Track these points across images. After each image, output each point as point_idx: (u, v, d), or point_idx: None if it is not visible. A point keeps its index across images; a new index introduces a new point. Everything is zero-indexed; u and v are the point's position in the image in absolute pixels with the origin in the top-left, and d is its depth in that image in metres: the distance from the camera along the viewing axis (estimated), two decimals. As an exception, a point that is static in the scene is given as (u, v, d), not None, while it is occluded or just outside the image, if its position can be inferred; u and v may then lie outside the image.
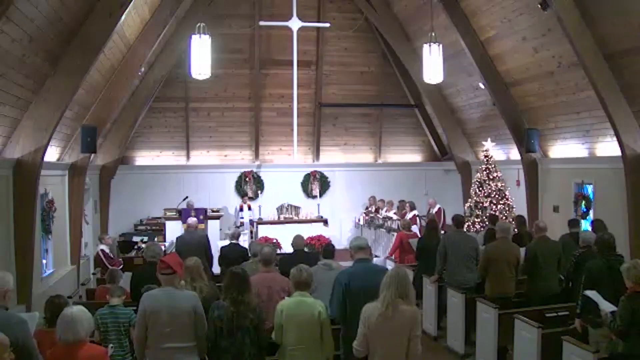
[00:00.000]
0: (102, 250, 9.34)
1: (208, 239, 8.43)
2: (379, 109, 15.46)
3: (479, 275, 7.16)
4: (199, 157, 15.05)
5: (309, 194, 15.41)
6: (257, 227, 13.73)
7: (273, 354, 4.67)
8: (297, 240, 7.28)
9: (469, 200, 11.79)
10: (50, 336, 4.12)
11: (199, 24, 9.68)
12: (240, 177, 15.10)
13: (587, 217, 10.00)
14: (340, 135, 15.59)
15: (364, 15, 13.73)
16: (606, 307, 4.77)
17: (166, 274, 4.31)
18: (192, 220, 8.60)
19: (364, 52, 14.77)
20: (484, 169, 11.61)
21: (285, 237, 11.60)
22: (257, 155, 15.19)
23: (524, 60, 10.39)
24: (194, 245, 7.89)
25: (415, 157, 16.26)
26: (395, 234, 11.03)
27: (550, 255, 6.74)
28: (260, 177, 15.23)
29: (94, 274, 10.52)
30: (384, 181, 15.29)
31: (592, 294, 5.04)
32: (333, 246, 6.93)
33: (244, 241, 11.88)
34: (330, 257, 6.33)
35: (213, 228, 12.17)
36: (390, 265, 9.75)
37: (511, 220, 10.44)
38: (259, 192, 15.11)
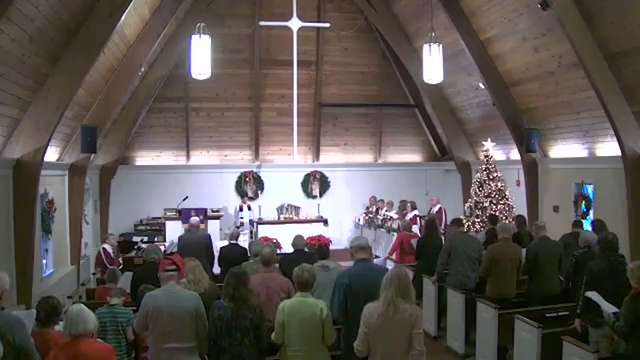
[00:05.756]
0: (104, 249, 9.37)
1: (210, 238, 8.40)
2: (379, 109, 15.46)
3: (479, 276, 7.17)
4: (199, 157, 15.05)
5: (309, 194, 15.41)
6: (257, 227, 13.73)
7: (273, 353, 4.67)
8: (298, 240, 7.27)
9: (469, 200, 11.79)
10: (43, 336, 4.19)
11: (199, 24, 9.69)
12: (240, 177, 15.11)
13: (587, 217, 10.00)
14: (340, 135, 15.60)
15: (364, 15, 13.74)
16: (607, 308, 4.77)
17: (170, 271, 4.36)
18: (194, 219, 8.59)
19: (364, 52, 14.77)
20: (484, 169, 11.61)
21: (285, 237, 11.60)
22: (257, 155, 15.19)
23: (524, 60, 10.39)
24: (196, 245, 7.88)
25: (415, 157, 16.27)
26: (396, 234, 11.03)
27: (551, 256, 6.73)
28: (260, 177, 15.23)
29: (94, 274, 10.52)
30: (384, 181, 15.29)
31: (592, 294, 5.03)
32: (326, 247, 6.93)
33: (244, 241, 11.88)
34: (324, 258, 6.33)
35: (213, 228, 12.15)
36: (390, 265, 9.75)
37: (511, 220, 10.44)
38: (259, 192, 15.11)
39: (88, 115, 9.74)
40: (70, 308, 3.94)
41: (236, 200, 14.79)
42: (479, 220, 11.26)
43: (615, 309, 4.69)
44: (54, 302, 4.32)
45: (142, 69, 11.11)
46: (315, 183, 15.45)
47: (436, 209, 12.79)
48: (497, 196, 11.32)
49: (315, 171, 15.49)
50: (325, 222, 14.08)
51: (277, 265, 6.42)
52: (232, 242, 8.01)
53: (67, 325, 3.79)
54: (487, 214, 10.81)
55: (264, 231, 13.48)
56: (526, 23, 9.66)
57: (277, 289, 5.34)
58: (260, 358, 4.48)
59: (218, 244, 10.17)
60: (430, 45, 10.12)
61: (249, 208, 14.20)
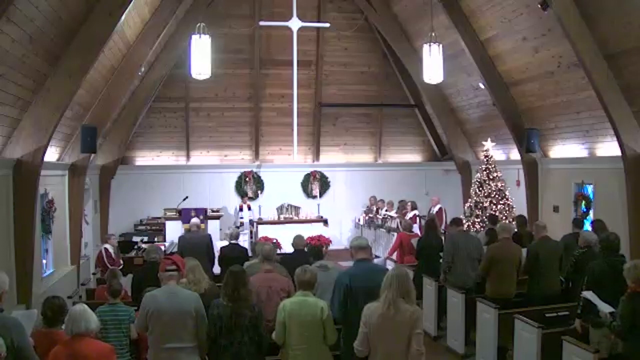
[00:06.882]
0: (106, 249, 9.38)
1: (211, 239, 8.42)
2: (379, 109, 15.46)
3: (478, 275, 7.17)
4: (199, 157, 15.05)
5: (309, 194, 15.41)
6: (257, 227, 13.73)
7: (274, 353, 4.67)
8: (298, 240, 7.28)
9: (469, 200, 11.79)
10: (51, 337, 4.16)
11: (199, 24, 9.68)
12: (240, 177, 15.10)
13: (587, 217, 10.00)
14: (340, 135, 15.59)
15: (364, 15, 13.74)
16: (604, 308, 4.77)
17: (170, 271, 4.37)
18: (195, 220, 8.62)
19: (364, 52, 14.77)
20: (484, 169, 11.61)
21: (285, 237, 11.59)
22: (257, 155, 15.19)
23: (524, 60, 10.39)
24: (197, 245, 7.89)
25: (415, 157, 16.27)
26: (396, 234, 11.03)
27: (552, 256, 6.74)
28: (260, 177, 15.22)
29: (94, 273, 10.52)
30: (384, 181, 15.29)
31: (589, 295, 5.04)
32: (320, 248, 6.99)
33: (244, 241, 11.87)
34: (319, 258, 6.35)
35: (213, 228, 12.16)
36: (390, 265, 9.75)
37: (511, 220, 10.44)
38: (259, 192, 15.11)
39: (88, 115, 9.74)
40: (73, 307, 3.96)
41: (236, 200, 14.79)
42: (479, 220, 11.26)
43: (612, 309, 4.69)
44: (61, 301, 4.33)
45: (142, 69, 11.10)
46: (315, 183, 15.45)
47: (436, 209, 12.79)
48: (497, 196, 11.32)
49: (315, 171, 15.49)
50: (325, 222, 14.07)
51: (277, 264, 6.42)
52: (233, 242, 8.02)
53: (69, 324, 3.81)
54: (487, 214, 10.81)
55: (264, 231, 13.48)
56: (526, 23, 9.66)
57: (277, 289, 5.33)
58: (260, 357, 4.48)
59: (218, 244, 10.18)
60: (430, 45, 10.12)
61: (249, 208, 14.20)
